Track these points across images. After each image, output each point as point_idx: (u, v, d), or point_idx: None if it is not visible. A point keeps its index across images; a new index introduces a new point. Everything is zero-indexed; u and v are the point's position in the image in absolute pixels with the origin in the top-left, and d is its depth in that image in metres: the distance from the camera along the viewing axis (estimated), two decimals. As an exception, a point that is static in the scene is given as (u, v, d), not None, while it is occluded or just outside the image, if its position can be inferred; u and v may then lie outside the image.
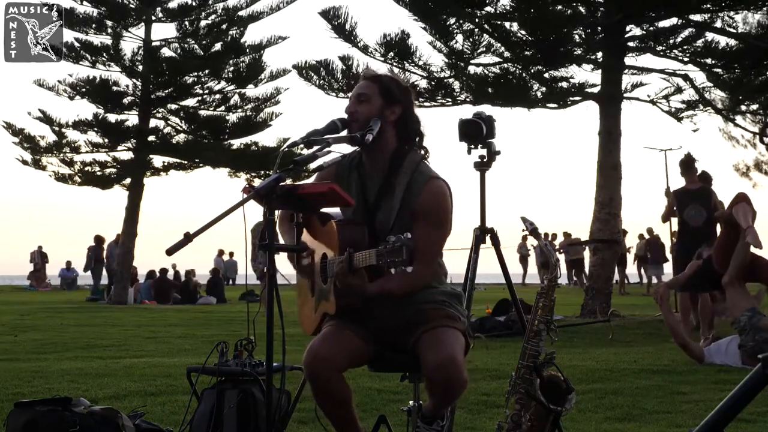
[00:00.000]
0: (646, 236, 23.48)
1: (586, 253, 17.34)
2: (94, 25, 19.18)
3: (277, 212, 2.88)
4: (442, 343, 2.99)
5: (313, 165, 3.08)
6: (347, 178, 3.26)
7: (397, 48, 13.28)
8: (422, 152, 3.25)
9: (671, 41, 13.48)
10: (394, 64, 13.44)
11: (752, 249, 7.15)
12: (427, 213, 3.10)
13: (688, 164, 9.81)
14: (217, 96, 20.32)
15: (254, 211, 2.85)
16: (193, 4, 19.47)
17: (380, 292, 3.06)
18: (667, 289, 8.18)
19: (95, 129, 19.85)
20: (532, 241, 24.31)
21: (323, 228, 3.18)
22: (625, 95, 13.55)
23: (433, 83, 13.87)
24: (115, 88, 19.57)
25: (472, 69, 13.77)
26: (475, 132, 4.48)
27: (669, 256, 17.60)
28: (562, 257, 24.46)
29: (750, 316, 6.86)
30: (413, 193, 3.12)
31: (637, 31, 13.66)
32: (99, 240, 22.36)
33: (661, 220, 10.45)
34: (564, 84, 13.78)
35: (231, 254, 28.15)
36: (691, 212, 9.60)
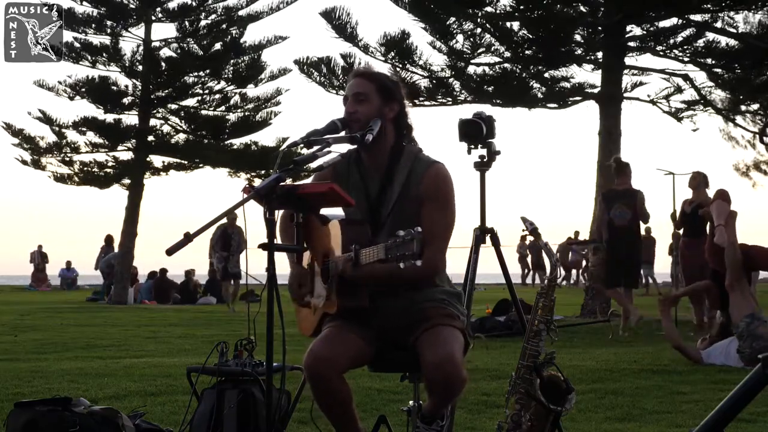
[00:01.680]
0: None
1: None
2: (93, 26, 19.16)
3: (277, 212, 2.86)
4: (441, 342, 2.99)
5: (313, 165, 3.07)
6: (347, 176, 3.26)
7: (398, 48, 13.30)
8: (413, 143, 3.26)
9: (671, 41, 13.49)
10: (395, 63, 13.46)
11: (740, 241, 7.17)
12: (431, 197, 3.11)
13: (619, 167, 10.00)
14: (217, 96, 20.30)
15: (251, 211, 2.84)
16: (193, 4, 19.44)
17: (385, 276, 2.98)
18: (671, 303, 8.23)
19: (95, 129, 19.84)
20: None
21: (323, 228, 3.17)
22: (625, 95, 13.56)
23: (433, 83, 13.88)
24: (114, 88, 19.53)
25: (472, 69, 13.80)
26: (475, 132, 4.47)
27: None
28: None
29: (749, 322, 6.83)
30: (414, 182, 3.14)
31: (637, 31, 13.68)
32: (109, 240, 22.23)
33: (596, 234, 10.34)
34: (564, 84, 13.79)
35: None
36: (617, 212, 9.71)
